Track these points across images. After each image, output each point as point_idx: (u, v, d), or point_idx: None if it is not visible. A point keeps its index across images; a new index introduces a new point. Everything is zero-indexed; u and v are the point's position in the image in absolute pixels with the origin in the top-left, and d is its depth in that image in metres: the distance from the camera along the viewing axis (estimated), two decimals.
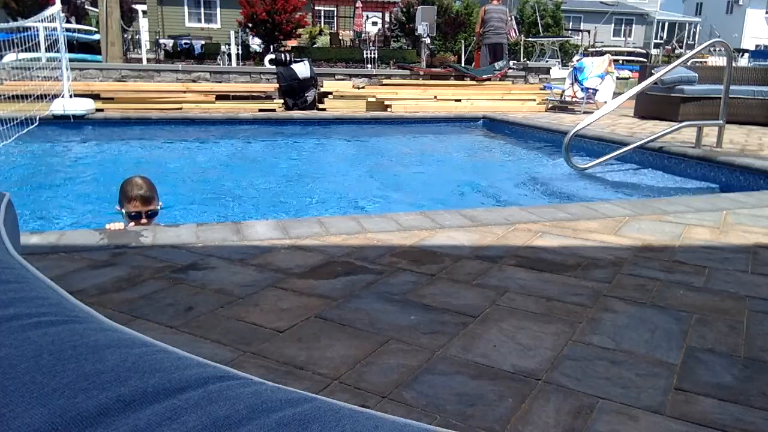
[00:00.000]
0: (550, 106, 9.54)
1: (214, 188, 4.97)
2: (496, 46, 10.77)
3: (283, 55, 9.99)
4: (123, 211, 2.65)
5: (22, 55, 7.82)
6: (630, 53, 22.69)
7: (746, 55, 20.53)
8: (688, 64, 8.13)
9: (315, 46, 17.84)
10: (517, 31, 15.39)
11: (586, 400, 1.24)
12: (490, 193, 5.02)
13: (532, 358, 1.41)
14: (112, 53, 10.71)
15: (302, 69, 8.79)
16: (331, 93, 9.06)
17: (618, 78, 15.43)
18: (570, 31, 25.23)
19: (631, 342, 1.51)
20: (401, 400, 1.22)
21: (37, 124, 6.37)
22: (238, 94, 8.67)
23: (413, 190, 5.06)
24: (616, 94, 7.96)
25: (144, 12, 18.11)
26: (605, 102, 8.92)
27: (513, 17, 14.25)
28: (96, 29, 13.70)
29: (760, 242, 2.46)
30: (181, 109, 8.17)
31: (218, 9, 24.47)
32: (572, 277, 1.97)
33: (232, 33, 15.01)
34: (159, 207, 2.71)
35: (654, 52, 25.15)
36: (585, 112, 8.32)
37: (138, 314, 1.60)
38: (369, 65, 14.67)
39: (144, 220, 2.62)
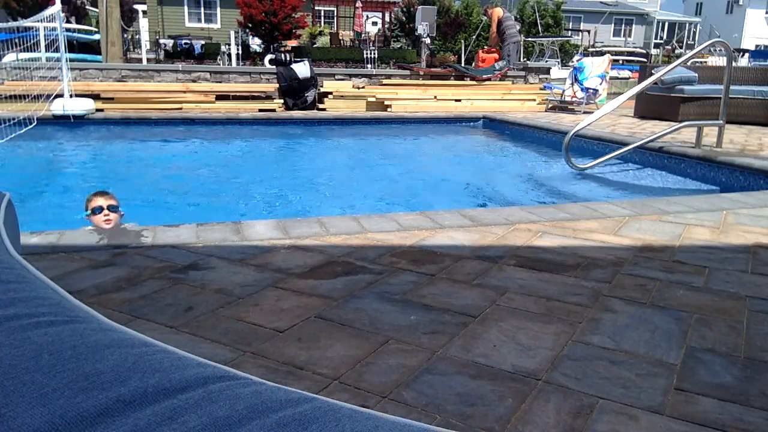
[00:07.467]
0: (550, 106, 9.54)
1: (214, 188, 4.96)
2: (518, 45, 12.09)
3: (283, 55, 9.99)
4: (87, 211, 2.88)
5: (22, 55, 7.82)
6: (630, 53, 22.65)
7: (746, 55, 20.52)
8: (688, 64, 8.12)
9: (315, 46, 17.81)
10: None
11: (586, 400, 1.24)
12: (490, 193, 5.02)
13: (532, 358, 1.41)
14: (112, 53, 10.71)
15: (302, 69, 8.79)
16: (331, 93, 9.06)
17: (618, 78, 15.44)
18: (570, 31, 25.17)
19: (631, 342, 1.51)
20: (401, 400, 1.22)
21: (35, 124, 6.36)
22: (238, 94, 8.67)
23: (413, 189, 5.05)
24: (616, 94, 7.95)
25: (144, 12, 18.10)
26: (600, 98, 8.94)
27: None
28: (96, 29, 13.70)
29: (760, 242, 2.46)
30: (181, 109, 8.17)
31: (218, 9, 24.44)
32: (572, 277, 1.97)
33: (232, 33, 14.98)
34: (120, 210, 2.94)
35: (654, 52, 25.10)
36: (585, 112, 8.32)
37: (138, 314, 1.60)
38: (369, 65, 14.64)
39: (106, 212, 2.80)
